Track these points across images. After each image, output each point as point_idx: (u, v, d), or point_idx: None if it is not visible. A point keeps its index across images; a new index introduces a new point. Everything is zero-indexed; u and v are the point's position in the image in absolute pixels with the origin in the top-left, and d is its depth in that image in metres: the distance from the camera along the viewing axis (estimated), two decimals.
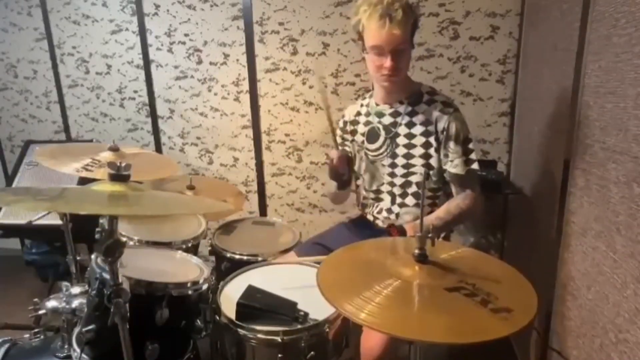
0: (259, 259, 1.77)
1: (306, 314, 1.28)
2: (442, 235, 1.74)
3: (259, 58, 2.60)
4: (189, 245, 1.76)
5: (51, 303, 1.38)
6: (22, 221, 2.21)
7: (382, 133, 1.68)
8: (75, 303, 1.38)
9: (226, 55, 2.65)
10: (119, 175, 1.12)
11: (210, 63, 2.68)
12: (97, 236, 1.06)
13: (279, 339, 1.23)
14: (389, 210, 1.70)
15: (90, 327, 1.20)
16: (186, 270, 1.46)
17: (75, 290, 1.42)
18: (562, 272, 1.55)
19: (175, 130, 2.85)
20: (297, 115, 2.64)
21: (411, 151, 1.63)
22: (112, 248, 1.00)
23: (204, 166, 2.87)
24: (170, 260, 1.56)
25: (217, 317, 1.34)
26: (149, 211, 1.23)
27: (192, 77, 2.73)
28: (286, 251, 1.82)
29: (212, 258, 1.93)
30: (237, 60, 2.64)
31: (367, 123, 1.74)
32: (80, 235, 1.68)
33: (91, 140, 2.94)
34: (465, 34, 2.35)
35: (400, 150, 1.64)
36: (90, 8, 2.75)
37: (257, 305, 1.30)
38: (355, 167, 1.81)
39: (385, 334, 1.26)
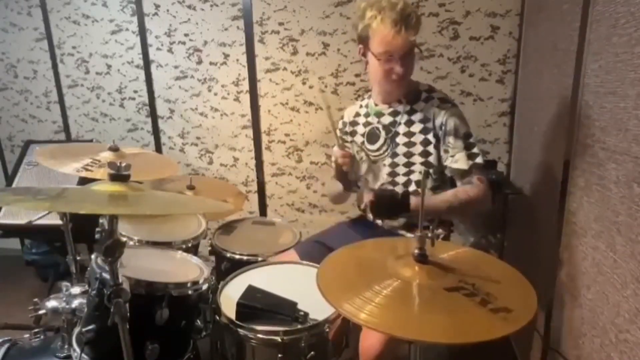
0: (259, 259, 1.77)
1: (306, 314, 1.28)
2: (442, 235, 1.74)
3: (259, 58, 2.60)
4: (189, 245, 1.76)
5: (51, 303, 1.39)
6: (22, 221, 2.22)
7: (382, 133, 1.68)
8: (75, 303, 1.38)
9: (226, 55, 2.65)
10: (119, 175, 1.12)
11: (210, 63, 2.68)
12: (97, 236, 1.06)
13: (279, 339, 1.24)
14: None
15: (90, 327, 1.20)
16: (186, 270, 1.46)
17: (75, 290, 1.42)
18: (562, 272, 1.55)
19: (175, 130, 2.85)
20: (297, 115, 2.64)
21: (411, 149, 1.63)
22: (112, 248, 1.00)
23: (204, 166, 2.87)
24: (170, 260, 1.56)
25: (217, 317, 1.34)
26: (149, 211, 1.23)
27: (192, 77, 2.73)
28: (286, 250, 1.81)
29: (212, 258, 1.94)
30: (237, 60, 2.64)
31: (366, 124, 1.74)
32: (80, 235, 1.68)
33: (91, 140, 2.94)
34: (465, 34, 2.35)
35: (401, 150, 1.64)
36: (90, 8, 2.75)
37: (257, 305, 1.30)
38: (355, 169, 1.80)
39: (385, 334, 1.26)
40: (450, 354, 2.10)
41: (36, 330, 1.48)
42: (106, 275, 1.12)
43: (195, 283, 1.35)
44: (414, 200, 1.52)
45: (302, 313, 1.28)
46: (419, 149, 1.62)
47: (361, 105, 1.79)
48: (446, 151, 1.58)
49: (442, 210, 1.56)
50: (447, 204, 1.55)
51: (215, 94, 2.73)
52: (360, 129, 1.75)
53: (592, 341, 1.30)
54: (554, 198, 1.59)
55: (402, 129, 1.64)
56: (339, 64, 2.51)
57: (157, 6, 2.66)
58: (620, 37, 1.17)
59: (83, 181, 1.99)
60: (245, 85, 2.66)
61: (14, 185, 2.41)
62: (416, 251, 0.99)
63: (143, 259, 1.51)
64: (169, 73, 2.75)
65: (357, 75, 2.50)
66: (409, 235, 1.65)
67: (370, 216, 1.78)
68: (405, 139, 1.63)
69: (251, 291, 1.35)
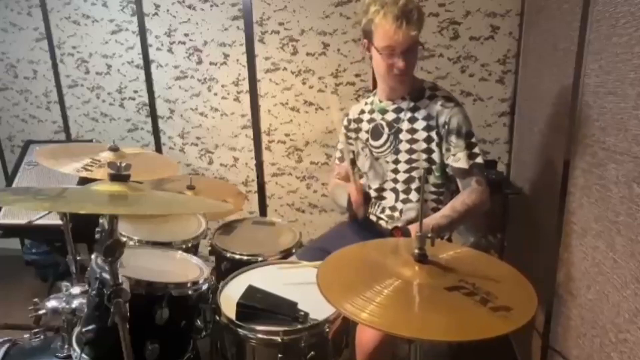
0: (259, 259, 1.77)
1: (306, 314, 1.28)
2: (446, 237, 1.74)
3: (259, 58, 2.60)
4: (189, 245, 1.76)
5: (51, 303, 1.39)
6: (22, 221, 2.21)
7: (386, 129, 1.69)
8: (75, 303, 1.38)
9: (226, 55, 2.65)
10: (119, 175, 1.12)
11: (210, 63, 2.68)
12: (97, 236, 1.06)
13: (279, 339, 1.23)
14: (393, 208, 1.70)
15: (90, 327, 1.20)
16: (186, 270, 1.46)
17: (75, 290, 1.42)
18: (562, 272, 1.55)
19: (175, 130, 2.85)
20: (297, 115, 2.64)
21: (413, 146, 1.63)
22: (112, 248, 1.00)
23: (204, 166, 2.87)
24: (170, 260, 1.56)
25: (217, 317, 1.34)
26: (149, 211, 1.24)
27: (192, 77, 2.73)
28: (287, 255, 1.81)
29: (212, 258, 1.93)
30: (237, 60, 2.64)
31: (370, 120, 1.74)
32: (80, 235, 1.68)
33: (91, 140, 2.94)
34: (465, 34, 2.35)
35: (403, 146, 1.65)
36: (90, 8, 2.75)
37: (257, 305, 1.30)
38: (359, 165, 1.81)
39: (383, 332, 1.26)
40: (450, 355, 2.10)
41: (36, 330, 1.48)
42: (106, 275, 1.12)
43: (195, 283, 1.35)
44: (414, 231, 1.52)
45: (302, 313, 1.28)
46: (421, 146, 1.62)
47: (366, 102, 1.80)
48: (448, 149, 1.59)
49: (445, 226, 1.57)
50: (447, 219, 1.56)
51: (215, 94, 2.73)
52: (365, 126, 1.76)
53: (592, 341, 1.30)
54: (554, 198, 1.59)
55: (405, 125, 1.64)
56: (339, 64, 2.51)
57: (157, 6, 2.66)
58: (620, 37, 1.17)
59: (83, 181, 1.99)
60: (245, 85, 2.66)
61: (14, 185, 2.41)
62: (416, 251, 1.00)
63: (143, 259, 1.50)
64: (169, 73, 2.75)
65: (357, 75, 2.50)
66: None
67: (373, 217, 1.78)
68: (408, 136, 1.64)
69: (251, 291, 1.34)
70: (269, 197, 2.81)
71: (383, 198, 1.74)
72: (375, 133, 1.72)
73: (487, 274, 1.00)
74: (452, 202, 1.60)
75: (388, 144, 1.68)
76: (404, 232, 1.54)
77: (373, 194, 1.76)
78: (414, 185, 1.65)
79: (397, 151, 1.66)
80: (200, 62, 2.70)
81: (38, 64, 2.92)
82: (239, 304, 1.30)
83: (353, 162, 1.85)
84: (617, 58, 1.19)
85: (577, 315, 1.41)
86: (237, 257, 1.82)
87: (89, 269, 1.29)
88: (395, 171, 1.68)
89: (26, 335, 1.51)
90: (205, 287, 1.38)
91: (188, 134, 2.84)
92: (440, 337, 0.82)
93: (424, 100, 1.63)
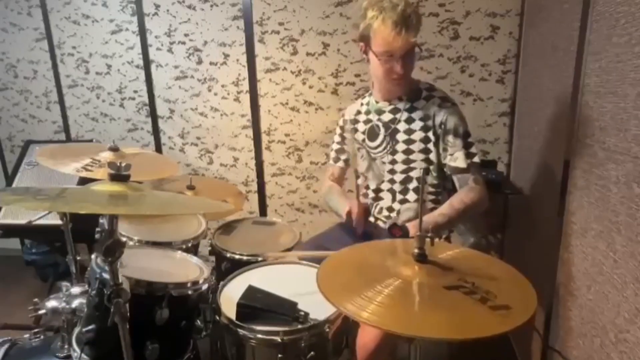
0: (259, 259, 1.77)
1: (306, 314, 1.28)
2: (444, 235, 1.74)
3: (259, 58, 2.60)
4: (189, 245, 1.76)
5: (51, 303, 1.39)
6: (22, 221, 2.22)
7: (382, 130, 1.68)
8: (75, 303, 1.38)
9: (226, 55, 2.65)
10: (119, 175, 1.12)
11: (210, 63, 2.68)
12: (97, 236, 1.06)
13: (279, 339, 1.24)
14: (390, 209, 1.70)
15: (90, 327, 1.20)
16: (186, 270, 1.46)
17: (75, 290, 1.42)
18: (562, 272, 1.55)
19: (175, 130, 2.85)
20: (297, 115, 2.64)
21: (410, 147, 1.63)
22: (112, 248, 1.00)
23: (204, 166, 2.87)
24: (170, 260, 1.56)
25: (217, 317, 1.34)
26: (149, 211, 1.23)
27: (192, 77, 2.73)
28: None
29: (212, 258, 1.93)
30: (237, 60, 2.64)
31: (367, 121, 1.74)
32: (80, 235, 1.68)
33: (91, 140, 2.94)
34: (465, 34, 2.35)
35: (400, 147, 1.65)
36: (90, 8, 2.76)
37: (257, 305, 1.30)
38: (356, 166, 1.81)
39: (383, 331, 1.26)
40: (450, 355, 2.10)
41: (36, 330, 1.48)
42: (106, 275, 1.12)
43: (195, 283, 1.35)
44: (412, 228, 1.53)
45: (302, 313, 1.28)
46: (418, 146, 1.62)
47: (362, 103, 1.80)
48: (445, 149, 1.59)
49: (443, 224, 1.57)
50: (445, 217, 1.56)
51: (215, 94, 2.73)
52: (361, 127, 1.76)
53: (592, 341, 1.30)
54: (554, 198, 1.59)
55: (402, 126, 1.64)
56: (339, 64, 2.51)
57: (157, 6, 2.66)
58: (620, 37, 1.17)
59: (83, 181, 2.00)
60: (245, 85, 2.66)
61: (14, 185, 2.41)
62: (416, 251, 1.00)
63: (143, 259, 1.50)
64: (169, 73, 2.75)
65: (357, 75, 2.50)
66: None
67: (371, 218, 1.77)
68: (405, 136, 1.64)
69: (251, 291, 1.34)
70: (269, 197, 2.81)
71: (380, 199, 1.74)
72: (372, 134, 1.72)
73: (487, 273, 1.01)
74: (450, 200, 1.60)
75: (384, 144, 1.68)
76: (402, 229, 1.54)
77: (371, 194, 1.76)
78: (411, 186, 1.65)
79: (393, 152, 1.66)
80: (200, 62, 2.70)
81: (38, 64, 2.92)
82: (239, 304, 1.30)
83: (347, 162, 1.87)
84: (617, 58, 1.19)
85: (577, 315, 1.41)
86: (237, 257, 1.82)
87: (89, 269, 1.29)
88: (392, 172, 1.68)
89: (26, 335, 1.51)
90: (205, 287, 1.38)
91: (188, 134, 2.84)
92: (440, 335, 0.83)
93: (420, 100, 1.63)
